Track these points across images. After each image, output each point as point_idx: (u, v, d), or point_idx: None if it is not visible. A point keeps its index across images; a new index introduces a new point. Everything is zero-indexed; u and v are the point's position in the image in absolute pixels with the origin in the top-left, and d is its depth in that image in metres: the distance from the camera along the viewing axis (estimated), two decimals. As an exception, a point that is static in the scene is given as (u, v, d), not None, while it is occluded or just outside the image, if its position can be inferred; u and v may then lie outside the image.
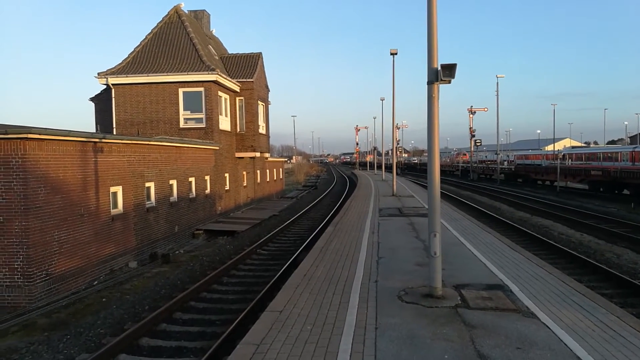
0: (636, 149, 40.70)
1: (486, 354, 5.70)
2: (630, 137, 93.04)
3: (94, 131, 23.36)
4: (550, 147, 74.60)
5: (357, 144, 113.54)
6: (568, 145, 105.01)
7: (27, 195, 10.98)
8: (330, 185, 54.20)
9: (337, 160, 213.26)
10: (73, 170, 12.63)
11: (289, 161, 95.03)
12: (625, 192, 36.51)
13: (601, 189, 39.27)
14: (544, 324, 6.70)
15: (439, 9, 8.00)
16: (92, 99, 26.28)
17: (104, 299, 11.54)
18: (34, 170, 11.18)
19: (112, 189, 14.59)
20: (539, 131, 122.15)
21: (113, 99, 23.55)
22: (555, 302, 7.67)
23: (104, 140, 14.03)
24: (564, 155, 51.12)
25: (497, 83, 55.56)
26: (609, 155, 44.14)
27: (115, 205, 14.79)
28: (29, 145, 11.06)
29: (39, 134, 11.25)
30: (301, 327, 6.74)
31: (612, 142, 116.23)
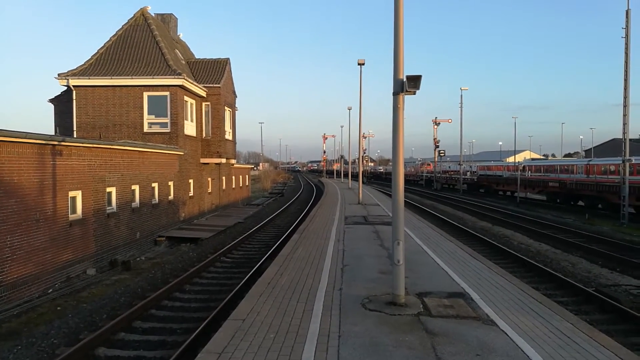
0: (590, 162, 42.54)
1: (447, 361, 5.78)
2: (585, 151, 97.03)
3: (53, 133, 22.59)
4: (511, 159, 76.91)
5: (325, 152, 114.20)
6: (528, 157, 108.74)
7: (-22, 198, 10.50)
8: (297, 192, 54.13)
9: (305, 168, 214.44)
10: (29, 173, 12.17)
11: (255, 168, 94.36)
12: (580, 203, 37.94)
13: (558, 200, 40.67)
14: (503, 331, 6.86)
15: (405, 20, 8.15)
16: (51, 101, 25.46)
17: (59, 308, 11.12)
18: (-14, 172, 10.71)
19: (71, 194, 14.14)
20: (500, 143, 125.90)
21: (74, 101, 22.85)
22: (513, 309, 7.87)
23: (63, 143, 13.59)
24: (524, 167, 52.84)
25: (462, 96, 56.87)
26: (566, 167, 45.97)
27: (74, 210, 14.32)
28: (-18, 146, 10.61)
29: (-7, 135, 10.82)
30: (264, 335, 6.67)
31: (569, 155, 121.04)
